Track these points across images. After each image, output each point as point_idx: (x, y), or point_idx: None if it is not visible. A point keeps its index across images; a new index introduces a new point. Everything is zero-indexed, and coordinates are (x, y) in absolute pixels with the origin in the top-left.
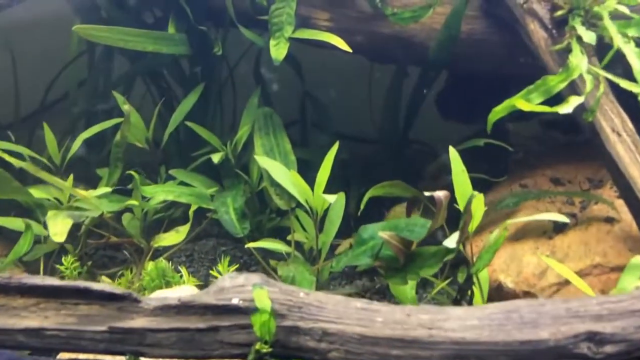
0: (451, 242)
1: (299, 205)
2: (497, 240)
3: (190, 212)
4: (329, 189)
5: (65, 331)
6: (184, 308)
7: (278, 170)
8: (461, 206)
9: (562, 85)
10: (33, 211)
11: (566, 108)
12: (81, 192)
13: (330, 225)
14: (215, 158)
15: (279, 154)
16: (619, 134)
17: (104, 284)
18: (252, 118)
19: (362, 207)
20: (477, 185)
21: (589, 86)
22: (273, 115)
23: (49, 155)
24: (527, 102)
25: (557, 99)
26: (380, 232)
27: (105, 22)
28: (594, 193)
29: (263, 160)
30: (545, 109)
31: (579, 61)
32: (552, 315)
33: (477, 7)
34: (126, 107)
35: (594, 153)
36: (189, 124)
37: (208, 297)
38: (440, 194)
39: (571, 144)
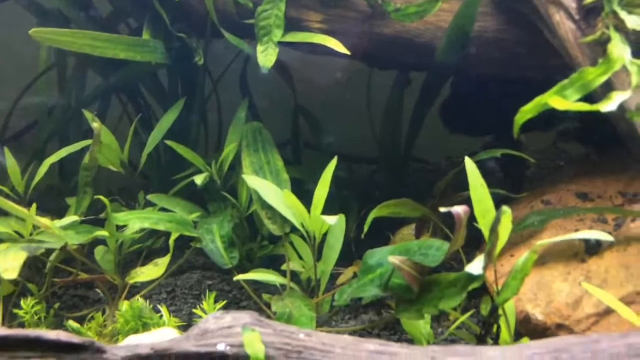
0: (476, 268)
1: (294, 229)
2: (526, 265)
3: (171, 242)
4: (326, 212)
5: None
6: (158, 359)
7: (269, 190)
8: (482, 224)
9: (603, 79)
10: None
11: (609, 105)
12: (43, 221)
13: (330, 251)
14: (199, 180)
15: (270, 173)
16: None
17: (59, 332)
18: (240, 134)
19: (365, 229)
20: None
21: (635, 79)
22: (262, 131)
23: (11, 185)
24: (563, 99)
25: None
26: (390, 258)
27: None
28: (629, 209)
29: (252, 180)
30: (585, 107)
31: (621, 51)
32: (611, 354)
33: (489, 3)
34: (96, 125)
35: (623, 164)
36: (169, 143)
37: (188, 343)
38: (460, 209)
39: (591, 156)
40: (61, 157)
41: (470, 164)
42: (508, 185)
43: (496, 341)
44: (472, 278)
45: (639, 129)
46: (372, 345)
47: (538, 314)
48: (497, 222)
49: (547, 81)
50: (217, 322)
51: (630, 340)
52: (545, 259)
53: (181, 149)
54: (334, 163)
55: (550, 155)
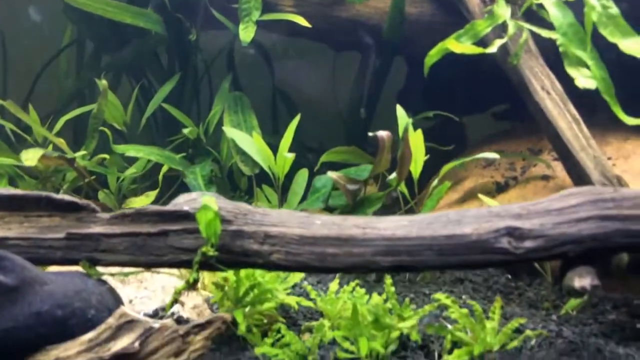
0: (393, 178)
1: (262, 172)
2: (440, 190)
3: (160, 176)
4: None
5: (26, 240)
6: (137, 216)
7: (243, 138)
8: (414, 163)
9: (488, 29)
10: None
11: (491, 49)
12: (58, 140)
13: (293, 196)
14: (187, 131)
15: (245, 129)
16: (548, 92)
17: (64, 194)
18: (224, 101)
19: (315, 169)
20: (438, 161)
21: (511, 29)
22: (242, 97)
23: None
24: (459, 43)
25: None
26: (329, 173)
27: None
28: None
29: (230, 131)
30: (476, 49)
31: (502, 10)
32: (476, 215)
33: None
34: (103, 82)
35: (536, 131)
36: (165, 105)
37: (162, 207)
38: (383, 133)
39: (516, 128)
40: (75, 115)
41: (400, 110)
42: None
43: None
44: (389, 187)
45: (522, 72)
46: (302, 213)
47: None
48: (405, 131)
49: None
50: (185, 197)
51: (492, 209)
52: (466, 197)
53: (174, 111)
54: (297, 118)
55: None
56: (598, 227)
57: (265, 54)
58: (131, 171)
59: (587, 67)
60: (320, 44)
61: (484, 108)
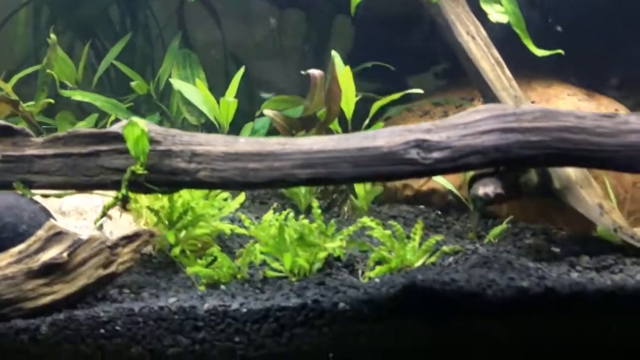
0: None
1: (212, 126)
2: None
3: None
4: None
5: None
6: (70, 138)
7: (189, 90)
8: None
9: None
10: None
11: None
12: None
13: None
14: (134, 84)
15: (193, 83)
16: (473, 37)
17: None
18: (173, 58)
19: (257, 113)
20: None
21: None
22: (191, 55)
23: None
24: None
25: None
26: (265, 110)
27: None
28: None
29: (177, 83)
30: None
31: None
32: (390, 131)
33: None
34: (52, 37)
35: (470, 84)
36: (116, 63)
37: (93, 129)
38: (315, 71)
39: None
40: (27, 73)
41: (337, 57)
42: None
43: None
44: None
45: (448, 16)
46: (230, 136)
47: None
48: (333, 64)
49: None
50: (119, 123)
51: (406, 127)
52: None
53: (124, 68)
54: (241, 70)
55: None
56: (500, 139)
57: (214, 12)
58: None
59: (500, 3)
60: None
61: (427, 68)
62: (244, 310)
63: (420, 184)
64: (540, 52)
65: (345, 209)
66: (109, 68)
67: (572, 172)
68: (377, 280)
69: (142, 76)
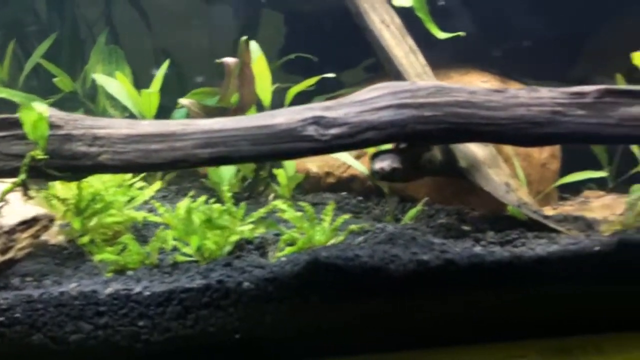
0: None
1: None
2: None
3: None
4: None
5: None
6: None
7: (113, 84)
8: (260, 88)
9: None
10: None
11: None
12: None
13: None
14: (57, 80)
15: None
16: (387, 25)
17: None
18: (100, 55)
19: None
20: None
21: None
22: (117, 50)
23: None
24: None
25: None
26: (181, 100)
27: None
28: None
29: (100, 78)
30: None
31: None
32: (290, 110)
33: None
34: None
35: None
36: (41, 61)
37: None
38: (230, 60)
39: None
40: None
41: (254, 45)
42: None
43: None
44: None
45: (360, 4)
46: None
47: (314, 168)
48: (242, 48)
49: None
50: None
51: (308, 105)
52: None
53: (50, 66)
54: (166, 63)
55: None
56: (396, 114)
57: (142, 9)
58: None
59: None
60: None
61: (358, 63)
62: (147, 293)
63: (341, 171)
64: (442, 35)
65: (270, 198)
66: (39, 67)
67: (479, 151)
68: (283, 259)
69: (72, 75)
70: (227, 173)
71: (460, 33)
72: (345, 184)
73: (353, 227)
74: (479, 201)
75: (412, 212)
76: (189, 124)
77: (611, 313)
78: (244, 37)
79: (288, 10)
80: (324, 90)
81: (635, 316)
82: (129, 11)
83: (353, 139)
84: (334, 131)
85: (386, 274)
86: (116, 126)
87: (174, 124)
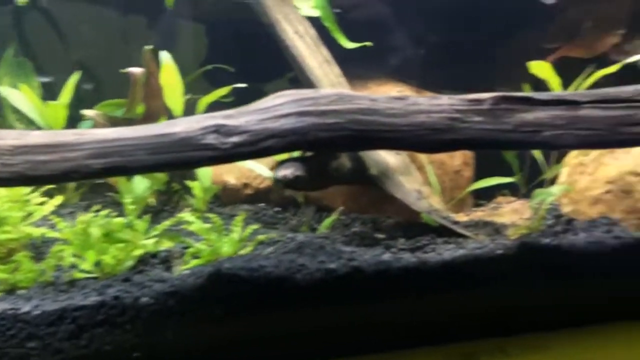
0: None
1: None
2: None
3: None
4: None
5: None
6: None
7: (17, 97)
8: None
9: None
10: None
11: None
12: None
13: None
14: None
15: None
16: (301, 36)
17: None
18: (8, 68)
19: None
20: None
21: None
22: (26, 62)
23: None
24: None
25: None
26: (85, 111)
27: None
28: None
29: (4, 90)
30: None
31: None
32: (190, 119)
33: None
34: None
35: None
36: None
37: None
38: (136, 69)
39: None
40: None
41: (164, 55)
42: None
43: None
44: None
45: (273, 15)
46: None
47: (232, 180)
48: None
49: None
50: None
51: (210, 114)
52: None
53: None
54: (76, 75)
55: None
56: (297, 122)
57: (52, 20)
58: None
59: None
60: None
61: (283, 73)
62: (37, 312)
63: (258, 182)
64: (350, 45)
65: (185, 211)
66: None
67: (391, 159)
68: (186, 272)
69: None
70: (139, 186)
71: (367, 43)
72: (263, 195)
73: (261, 237)
74: (395, 209)
75: (328, 221)
76: (83, 134)
77: (514, 316)
78: (148, 47)
79: (210, 22)
80: (248, 101)
81: (536, 318)
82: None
83: (254, 147)
84: (234, 139)
85: (292, 284)
86: (4, 137)
87: (68, 134)
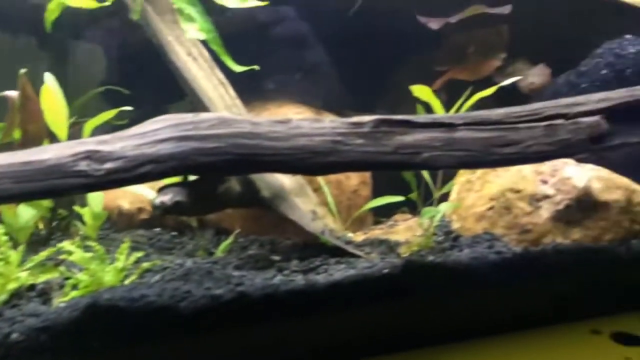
0: None
1: None
2: None
3: None
4: None
5: None
6: None
7: None
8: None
9: None
10: None
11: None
12: None
13: None
14: None
15: None
16: (194, 58)
17: None
18: None
19: None
20: None
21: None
22: None
23: None
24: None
25: None
26: None
27: None
28: None
29: None
30: (93, 4)
31: None
32: (62, 145)
33: None
34: None
35: None
36: None
37: None
38: (11, 93)
39: None
40: None
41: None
42: None
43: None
44: None
45: (163, 37)
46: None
47: (126, 204)
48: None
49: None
50: None
51: (97, 138)
52: None
53: None
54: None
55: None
56: (176, 147)
57: None
58: None
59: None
60: None
61: (185, 95)
62: None
63: None
64: (238, 68)
65: (75, 239)
66: None
67: (285, 181)
68: (62, 305)
69: None
70: (23, 215)
71: (255, 67)
72: (159, 220)
73: (146, 264)
74: (296, 230)
75: (224, 244)
76: None
77: (398, 333)
78: (22, 70)
79: (109, 43)
80: None
81: (419, 334)
82: None
83: (130, 173)
84: (108, 165)
85: (175, 313)
86: None
87: None
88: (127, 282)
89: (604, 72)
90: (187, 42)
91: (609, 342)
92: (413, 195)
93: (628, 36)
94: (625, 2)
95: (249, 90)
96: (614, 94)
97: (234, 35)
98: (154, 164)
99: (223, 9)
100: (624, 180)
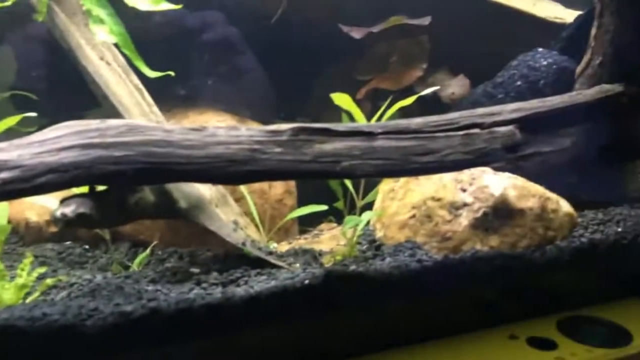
0: None
1: None
2: None
3: None
4: None
5: None
6: None
7: None
8: None
9: None
10: None
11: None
12: None
13: None
14: None
15: None
16: (108, 63)
17: None
18: None
19: None
20: None
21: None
22: None
23: None
24: None
25: None
26: None
27: None
28: None
29: None
30: None
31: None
32: None
33: None
34: None
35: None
36: None
37: None
38: None
39: None
40: None
41: None
42: None
43: None
44: None
45: (73, 40)
46: None
47: (34, 217)
48: None
49: None
50: None
51: None
52: None
53: None
54: None
55: None
56: (80, 155)
57: None
58: None
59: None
60: None
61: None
62: None
63: None
64: (152, 74)
65: None
66: None
67: (206, 191)
68: None
69: None
70: None
71: (170, 72)
72: (71, 233)
73: (49, 280)
74: (218, 241)
75: (140, 257)
76: None
77: (323, 344)
78: None
79: (21, 45)
80: None
81: (342, 343)
82: None
83: (28, 183)
84: (3, 175)
85: (80, 332)
86: None
87: None
88: (28, 300)
89: (518, 83)
90: (100, 47)
91: (525, 346)
92: (339, 204)
93: (540, 49)
94: (539, 17)
95: (172, 97)
96: (526, 105)
97: (157, 41)
98: (55, 173)
99: (149, 15)
100: (539, 188)
